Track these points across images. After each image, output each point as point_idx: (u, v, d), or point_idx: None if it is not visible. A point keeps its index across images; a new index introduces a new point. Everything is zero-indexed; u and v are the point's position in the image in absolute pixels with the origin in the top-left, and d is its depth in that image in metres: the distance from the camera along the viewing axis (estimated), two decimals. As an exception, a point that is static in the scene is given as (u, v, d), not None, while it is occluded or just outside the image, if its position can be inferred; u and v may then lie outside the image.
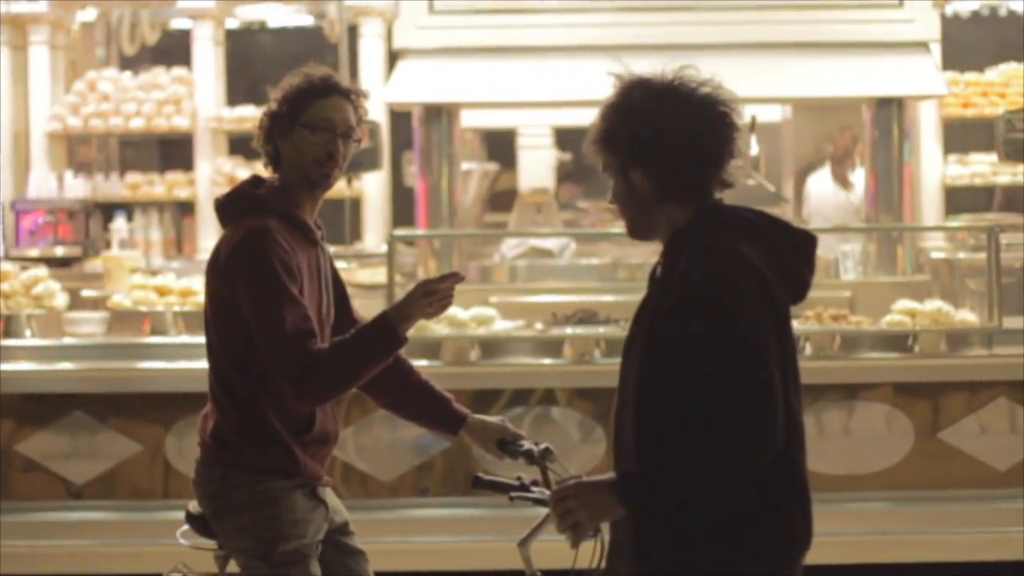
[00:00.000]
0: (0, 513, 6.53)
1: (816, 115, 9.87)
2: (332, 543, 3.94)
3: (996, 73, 10.35)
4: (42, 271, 7.38)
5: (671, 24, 8.12)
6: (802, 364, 3.20)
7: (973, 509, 6.49)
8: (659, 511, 3.05)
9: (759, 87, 7.82)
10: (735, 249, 3.09)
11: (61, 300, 7.20)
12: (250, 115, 10.21)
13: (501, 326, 6.76)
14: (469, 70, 8.20)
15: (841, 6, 8.29)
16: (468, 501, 6.44)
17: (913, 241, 8.39)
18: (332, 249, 4.06)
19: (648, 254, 7.46)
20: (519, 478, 3.63)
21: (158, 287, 7.14)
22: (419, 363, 4.73)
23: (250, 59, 12.17)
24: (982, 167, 10.31)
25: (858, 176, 9.31)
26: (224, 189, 5.02)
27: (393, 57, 8.79)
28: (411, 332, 3.78)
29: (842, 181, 9.61)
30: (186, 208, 10.84)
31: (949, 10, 10.66)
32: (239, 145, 10.73)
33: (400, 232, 8.20)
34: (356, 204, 10.13)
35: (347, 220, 8.61)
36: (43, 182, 10.36)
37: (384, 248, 7.25)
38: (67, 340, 7.12)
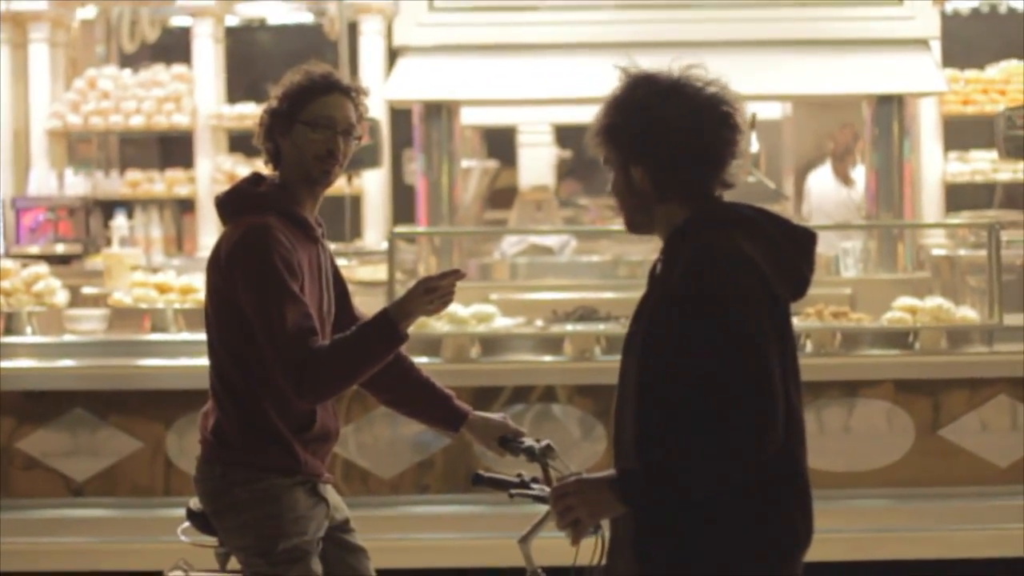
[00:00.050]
0: (1, 510, 6.52)
1: (816, 112, 9.87)
2: (333, 540, 3.94)
3: (996, 70, 10.34)
4: (43, 268, 7.38)
5: (671, 21, 8.12)
6: (802, 361, 3.19)
7: (974, 506, 6.49)
8: (659, 509, 3.05)
9: (759, 84, 7.82)
10: (735, 246, 3.08)
11: (62, 297, 7.19)
12: (250, 112, 10.21)
13: (502, 323, 6.75)
14: (469, 67, 8.20)
15: (842, 3, 8.30)
16: (469, 498, 6.43)
17: (914, 238, 8.39)
18: (332, 246, 4.06)
19: (648, 251, 7.45)
20: (520, 475, 3.63)
21: (158, 284, 7.14)
22: (420, 360, 4.72)
23: (250, 56, 12.18)
24: (982, 164, 10.30)
25: (859, 173, 9.31)
26: (224, 186, 5.01)
27: (393, 54, 8.79)
28: (412, 329, 3.77)
29: (843, 178, 9.61)
30: (186, 205, 10.84)
31: (949, 7, 10.66)
32: (239, 142, 10.72)
33: (400, 229, 8.19)
34: (356, 201, 10.13)
35: (347, 217, 8.61)
36: (43, 179, 10.36)
37: (385, 245, 7.25)
38: (68, 337, 7.13)
